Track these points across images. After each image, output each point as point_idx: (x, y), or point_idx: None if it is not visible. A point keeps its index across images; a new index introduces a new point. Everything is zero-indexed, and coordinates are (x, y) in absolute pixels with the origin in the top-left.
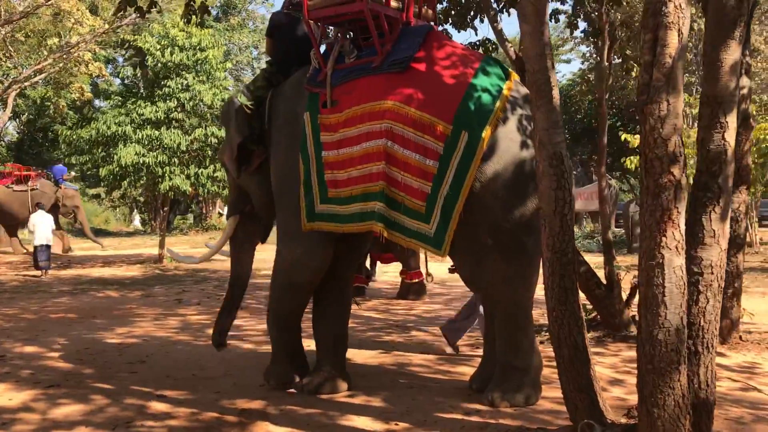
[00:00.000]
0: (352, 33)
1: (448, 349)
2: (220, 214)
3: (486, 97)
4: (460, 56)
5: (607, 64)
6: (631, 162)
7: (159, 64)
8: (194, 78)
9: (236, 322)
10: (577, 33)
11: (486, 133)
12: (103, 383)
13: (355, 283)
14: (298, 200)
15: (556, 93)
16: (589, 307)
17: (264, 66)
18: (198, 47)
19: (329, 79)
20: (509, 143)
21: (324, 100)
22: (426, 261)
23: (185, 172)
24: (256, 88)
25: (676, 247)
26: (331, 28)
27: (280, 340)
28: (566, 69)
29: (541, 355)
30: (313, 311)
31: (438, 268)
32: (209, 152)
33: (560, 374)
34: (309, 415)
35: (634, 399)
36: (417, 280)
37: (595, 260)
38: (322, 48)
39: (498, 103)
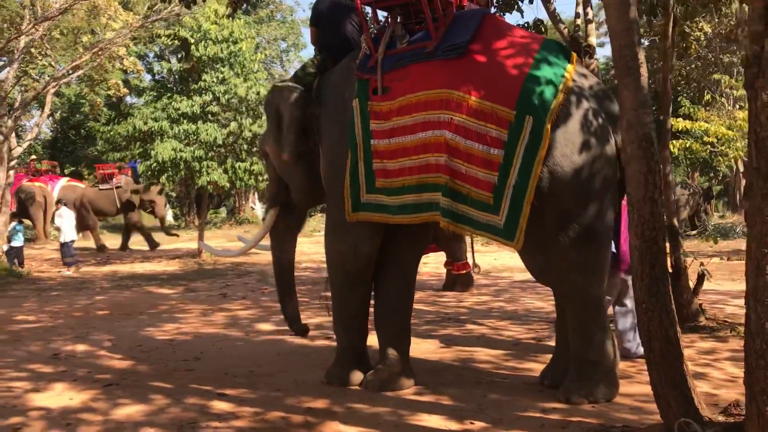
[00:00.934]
0: (402, 17)
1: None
2: (253, 208)
3: (548, 81)
4: (519, 40)
5: (670, 42)
6: (673, 146)
7: (194, 58)
8: (229, 71)
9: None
10: None
11: (551, 117)
12: (160, 382)
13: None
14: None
15: (644, 70)
16: None
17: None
18: (231, 40)
19: (380, 64)
20: (575, 126)
21: (375, 87)
22: (473, 252)
23: (222, 167)
24: (305, 75)
25: None
26: (383, 13)
27: (345, 340)
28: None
29: (617, 348)
30: (375, 304)
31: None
32: (245, 145)
33: (650, 369)
34: (377, 414)
35: (722, 394)
36: (464, 272)
37: None
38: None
39: (561, 86)
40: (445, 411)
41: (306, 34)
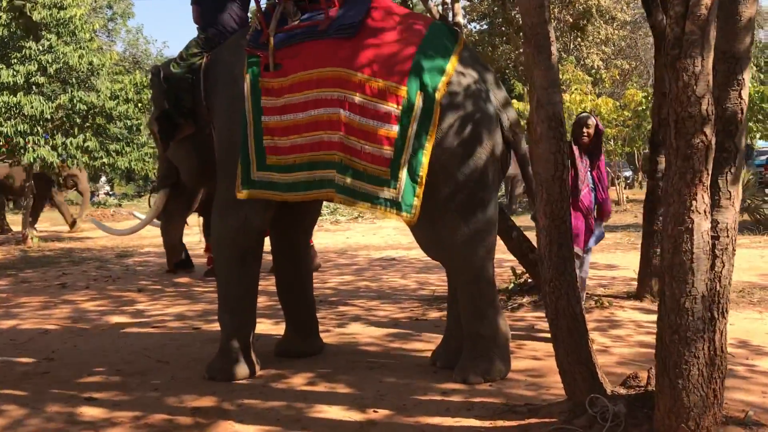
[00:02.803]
0: None
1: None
2: (108, 194)
3: (437, 59)
4: (408, 21)
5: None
6: None
7: (13, 23)
8: (56, 39)
9: (138, 306)
10: None
11: (440, 93)
12: (10, 389)
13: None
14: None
15: (554, 49)
16: (520, 271)
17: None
18: (59, 5)
19: (272, 41)
20: (462, 102)
21: (266, 63)
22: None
23: (50, 143)
24: (189, 56)
25: (705, 211)
26: None
27: (230, 327)
28: None
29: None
30: (276, 284)
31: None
32: (77, 120)
33: (557, 347)
34: (273, 409)
35: (610, 366)
36: None
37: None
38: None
39: (449, 64)
40: (345, 400)
41: (136, 2)
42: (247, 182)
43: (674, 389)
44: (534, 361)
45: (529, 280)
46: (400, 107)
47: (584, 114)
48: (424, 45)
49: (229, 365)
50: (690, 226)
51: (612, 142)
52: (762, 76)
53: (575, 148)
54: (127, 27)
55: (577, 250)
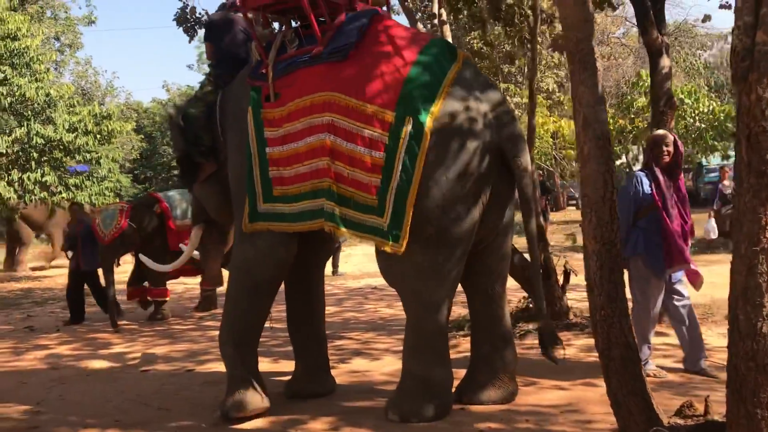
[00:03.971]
0: (295, 22)
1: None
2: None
3: (430, 79)
4: (405, 41)
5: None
6: None
7: None
8: (11, 70)
9: (116, 349)
10: None
11: (430, 118)
12: None
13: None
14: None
15: (599, 65)
16: (522, 297)
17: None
18: (12, 36)
19: (270, 71)
20: (455, 126)
21: (267, 94)
22: None
23: (5, 178)
24: (203, 94)
25: None
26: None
27: (238, 359)
28: None
29: (452, 372)
30: (287, 319)
31: None
32: (34, 154)
33: (608, 378)
34: None
35: None
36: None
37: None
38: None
39: (443, 86)
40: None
41: (85, 33)
42: (254, 215)
43: (752, 419)
44: (561, 392)
45: (531, 306)
46: (388, 133)
47: (661, 132)
48: (417, 66)
49: (241, 398)
50: (766, 246)
51: (574, 163)
52: (713, 96)
53: (657, 170)
54: (76, 59)
55: (681, 268)
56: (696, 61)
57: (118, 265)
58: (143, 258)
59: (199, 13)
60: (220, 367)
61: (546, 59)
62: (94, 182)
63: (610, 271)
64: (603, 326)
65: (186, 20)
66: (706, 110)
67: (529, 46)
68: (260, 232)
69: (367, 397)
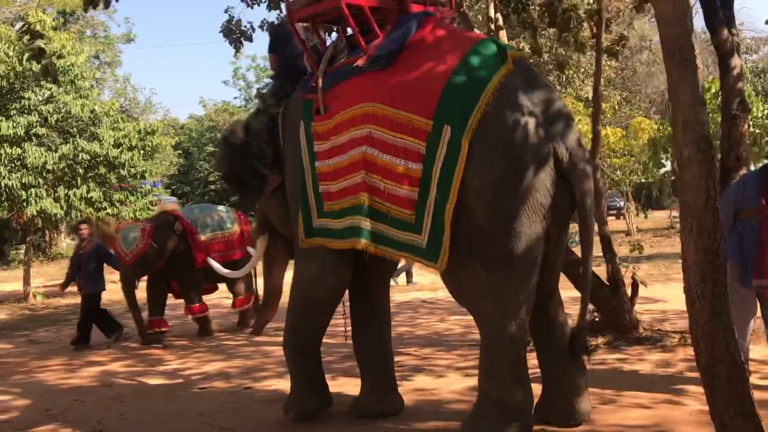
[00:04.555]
0: (346, 30)
1: None
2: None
3: (471, 84)
4: (453, 42)
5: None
6: None
7: (12, 74)
8: (57, 88)
9: (171, 366)
10: None
11: (471, 126)
12: None
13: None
14: None
15: (699, 63)
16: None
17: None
18: (58, 54)
19: (320, 83)
20: (498, 135)
21: (317, 107)
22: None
23: (53, 195)
24: (266, 107)
25: None
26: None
27: (297, 364)
28: None
29: (532, 394)
30: (352, 334)
31: None
32: (80, 170)
33: (713, 398)
34: None
35: None
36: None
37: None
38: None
39: (485, 91)
40: None
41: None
42: (308, 230)
43: None
44: (644, 410)
45: (597, 319)
46: (425, 143)
47: None
48: (459, 71)
49: (298, 400)
50: None
51: (619, 172)
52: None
53: None
54: (115, 76)
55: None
56: (743, 65)
57: (136, 287)
58: (212, 263)
59: (244, 26)
60: (279, 385)
61: (585, 67)
62: (138, 197)
63: (713, 284)
64: (706, 342)
65: (231, 32)
66: (760, 114)
67: (587, 51)
68: (314, 255)
69: (438, 417)
